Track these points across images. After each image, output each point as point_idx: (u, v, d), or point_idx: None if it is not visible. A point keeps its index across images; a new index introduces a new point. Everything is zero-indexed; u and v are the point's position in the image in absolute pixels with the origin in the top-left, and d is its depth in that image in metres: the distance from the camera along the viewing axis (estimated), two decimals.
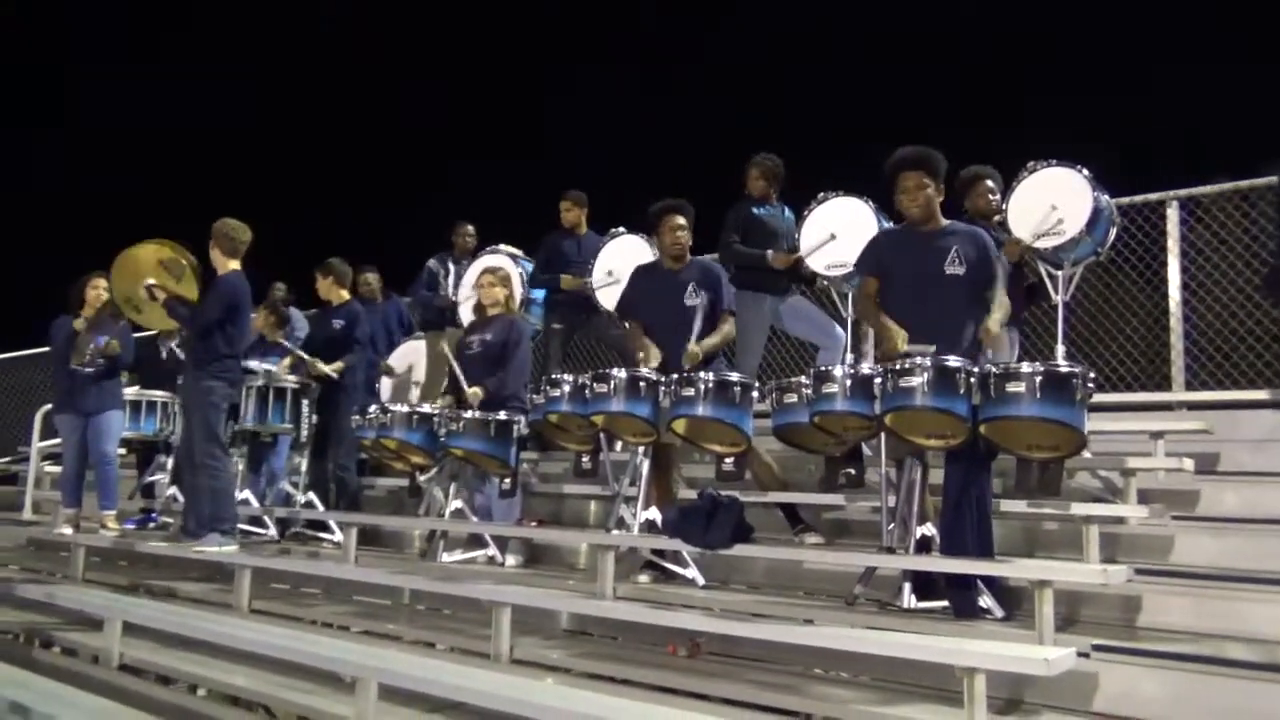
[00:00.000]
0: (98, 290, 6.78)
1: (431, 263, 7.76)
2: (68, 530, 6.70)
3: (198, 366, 5.89)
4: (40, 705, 3.62)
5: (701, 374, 4.62)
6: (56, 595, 5.56)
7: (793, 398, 4.48)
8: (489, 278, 6.18)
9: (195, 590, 6.05)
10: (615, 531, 4.81)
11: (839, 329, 6.04)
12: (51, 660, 5.11)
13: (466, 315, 6.90)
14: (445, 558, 5.64)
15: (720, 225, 6.20)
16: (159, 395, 7.41)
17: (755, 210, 6.16)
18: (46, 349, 8.20)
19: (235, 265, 6.02)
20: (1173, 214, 6.38)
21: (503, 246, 7.39)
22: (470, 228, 7.86)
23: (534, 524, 5.95)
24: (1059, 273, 5.16)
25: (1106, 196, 5.09)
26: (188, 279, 6.06)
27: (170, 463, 7.41)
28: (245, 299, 6.06)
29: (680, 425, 4.67)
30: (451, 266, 7.69)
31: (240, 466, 6.90)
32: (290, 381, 6.79)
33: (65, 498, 6.86)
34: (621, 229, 6.65)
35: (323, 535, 6.71)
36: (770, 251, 5.94)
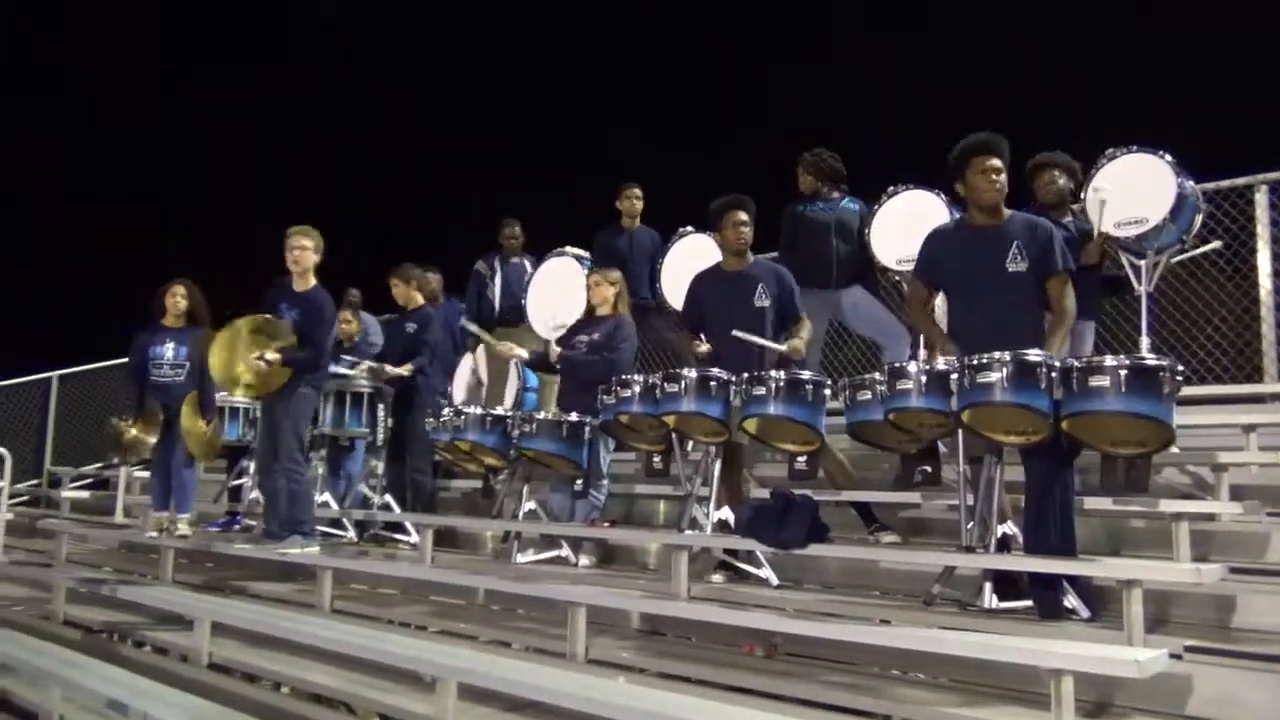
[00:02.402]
0: (176, 298, 6.95)
1: (480, 265, 7.84)
2: (154, 533, 6.91)
3: (296, 375, 6.00)
4: (135, 702, 3.74)
5: (773, 372, 4.59)
6: (146, 595, 5.76)
7: (866, 395, 4.42)
8: (597, 277, 6.19)
9: (279, 590, 6.20)
10: (688, 531, 4.80)
11: (903, 328, 5.96)
12: (143, 658, 5.28)
13: (534, 314, 6.91)
14: (519, 558, 5.70)
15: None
16: (241, 401, 7.61)
17: (801, 208, 6.15)
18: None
19: (312, 276, 6.17)
20: (1261, 199, 6.15)
21: (569, 249, 7.43)
22: (517, 226, 7.93)
23: (606, 525, 5.97)
24: (1141, 262, 5.00)
25: (1191, 182, 4.92)
26: (283, 330, 6.03)
27: (253, 467, 7.62)
28: (334, 310, 6.23)
29: (752, 424, 4.64)
30: (498, 266, 7.78)
31: (320, 470, 7.06)
32: (366, 386, 6.93)
33: (154, 501, 7.09)
34: (689, 228, 6.64)
35: (399, 537, 6.82)
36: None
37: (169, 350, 6.77)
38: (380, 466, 7.06)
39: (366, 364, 7.00)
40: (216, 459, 7.60)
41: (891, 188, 5.75)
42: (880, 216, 5.73)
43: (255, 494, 7.48)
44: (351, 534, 6.90)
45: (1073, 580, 3.75)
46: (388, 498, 6.90)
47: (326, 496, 6.95)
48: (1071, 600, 3.71)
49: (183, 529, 6.76)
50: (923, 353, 4.91)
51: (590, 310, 6.18)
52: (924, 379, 3.97)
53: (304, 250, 6.13)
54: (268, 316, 6.05)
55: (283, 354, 5.89)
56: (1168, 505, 4.13)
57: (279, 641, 4.78)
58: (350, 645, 4.25)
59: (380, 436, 6.97)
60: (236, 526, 7.51)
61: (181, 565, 6.90)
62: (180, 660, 5.09)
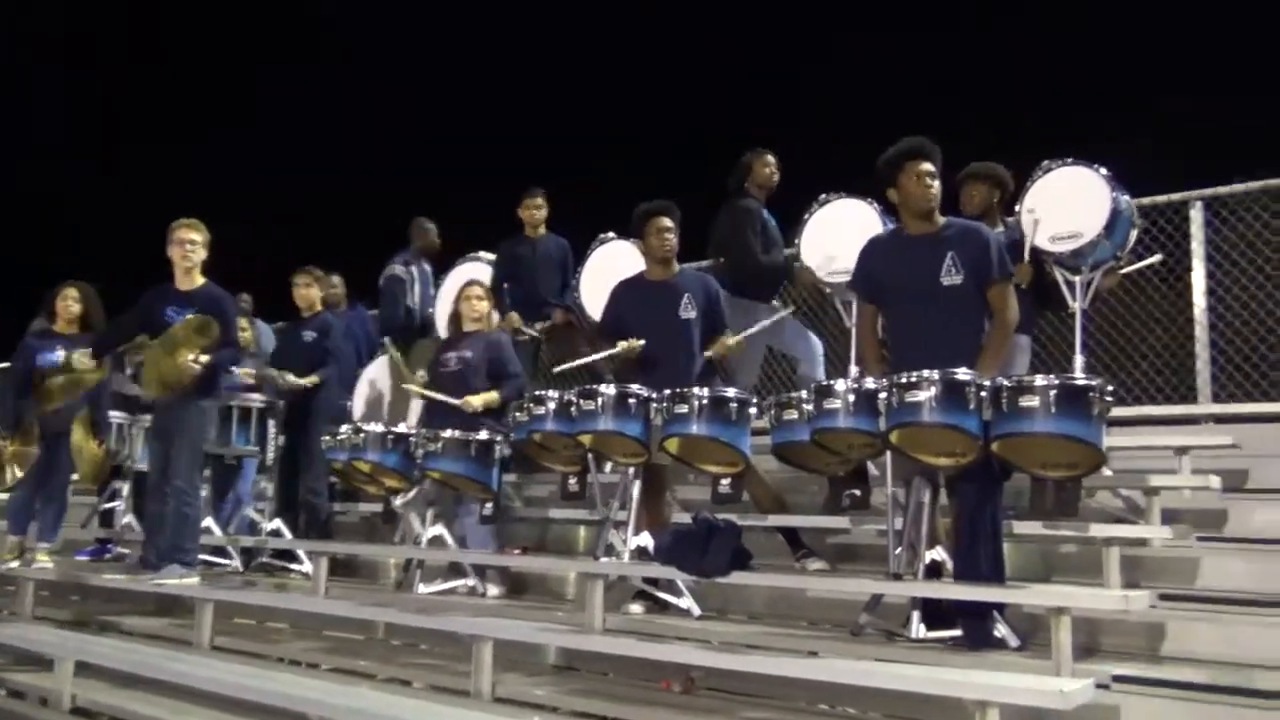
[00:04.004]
0: (68, 302, 6.74)
1: (397, 269, 7.69)
2: (12, 562, 6.67)
3: (196, 388, 5.86)
4: None
5: (696, 390, 4.65)
6: (2, 633, 5.56)
7: (793, 414, 4.49)
8: (477, 289, 6.19)
9: (153, 626, 6.04)
10: (604, 559, 4.82)
11: (815, 338, 6.21)
12: None
13: (441, 324, 6.89)
14: (422, 589, 5.64)
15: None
16: (116, 416, 7.38)
17: (765, 213, 6.20)
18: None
19: (199, 274, 6.05)
20: (1196, 215, 6.42)
21: (483, 254, 7.43)
22: (429, 223, 7.90)
23: (517, 551, 5.96)
24: (1076, 278, 5.20)
25: (1126, 197, 5.13)
26: (209, 326, 5.88)
27: (127, 489, 7.41)
28: (234, 306, 6.14)
29: (673, 445, 4.69)
30: (415, 273, 7.68)
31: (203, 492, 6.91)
32: (256, 400, 6.80)
33: (12, 525, 6.84)
34: (611, 234, 6.69)
35: (291, 566, 6.72)
36: (797, 263, 5.93)
37: (60, 358, 6.55)
38: (270, 488, 6.93)
39: (268, 371, 6.85)
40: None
41: (823, 196, 5.88)
42: (810, 226, 5.84)
43: (128, 519, 7.29)
44: (236, 563, 6.77)
45: (1002, 608, 3.88)
46: (278, 522, 6.78)
47: (209, 521, 6.79)
48: (1002, 629, 3.84)
49: (43, 559, 6.53)
50: (853, 369, 5.04)
51: (458, 324, 6.18)
52: (852, 398, 4.05)
53: (193, 245, 6.01)
54: (205, 317, 5.89)
55: (212, 357, 5.80)
56: (1098, 530, 4.31)
57: (152, 682, 4.66)
58: (232, 685, 4.18)
59: (270, 455, 6.85)
60: (107, 555, 7.31)
61: (43, 598, 6.67)
62: (40, 704, 4.93)
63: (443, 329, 6.88)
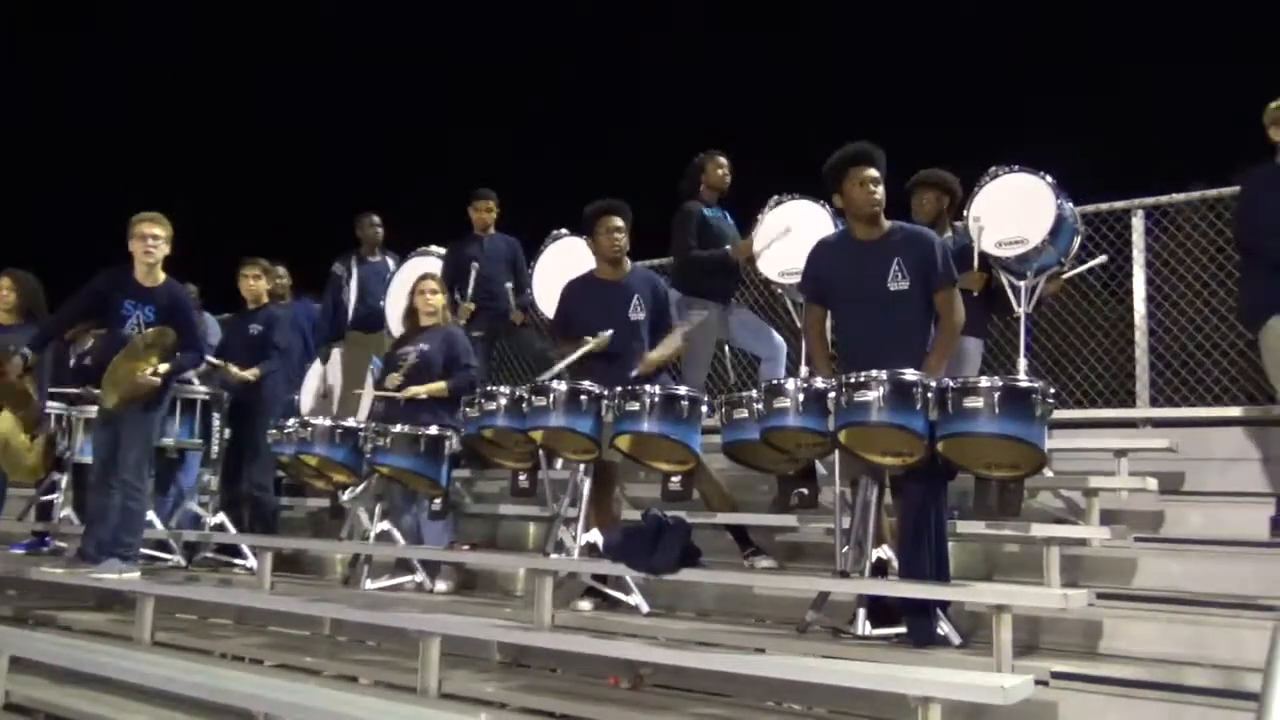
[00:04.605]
0: (2, 291, 6.59)
1: (336, 266, 7.76)
2: None
3: (156, 396, 5.80)
4: None
5: (647, 387, 4.67)
6: None
7: (743, 413, 4.54)
8: (431, 284, 6.15)
9: (92, 621, 5.93)
10: (553, 555, 4.83)
11: (778, 337, 6.26)
12: None
13: (395, 319, 6.85)
14: (370, 585, 5.61)
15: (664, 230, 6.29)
16: (54, 406, 7.21)
17: (706, 213, 6.23)
18: None
19: (161, 270, 5.97)
20: (1138, 223, 6.56)
21: (433, 248, 7.40)
22: (375, 218, 7.86)
23: (466, 548, 5.94)
24: (1021, 283, 5.30)
25: (1070, 204, 5.24)
26: (171, 339, 5.84)
27: (66, 481, 7.25)
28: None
29: (624, 442, 4.71)
30: (354, 268, 7.69)
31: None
32: (200, 391, 6.70)
33: None
34: (564, 230, 6.69)
35: (235, 561, 6.64)
36: (729, 247, 6.03)
37: None
38: (214, 482, 6.83)
39: (212, 360, 6.75)
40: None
41: (775, 198, 5.93)
42: (762, 229, 5.89)
43: (66, 511, 7.15)
44: (179, 558, 6.65)
45: (945, 606, 3.95)
46: (222, 517, 6.69)
47: (151, 515, 6.66)
48: (945, 626, 3.91)
49: None
50: (804, 369, 5.09)
51: (414, 319, 6.14)
52: (801, 397, 4.10)
53: (156, 241, 5.91)
54: (161, 329, 5.81)
55: (170, 365, 5.77)
56: (1039, 530, 4.39)
57: (91, 678, 4.57)
58: (172, 681, 4.11)
59: (215, 448, 6.75)
60: (45, 548, 7.15)
61: None
62: None
63: (394, 324, 6.85)
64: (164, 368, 5.73)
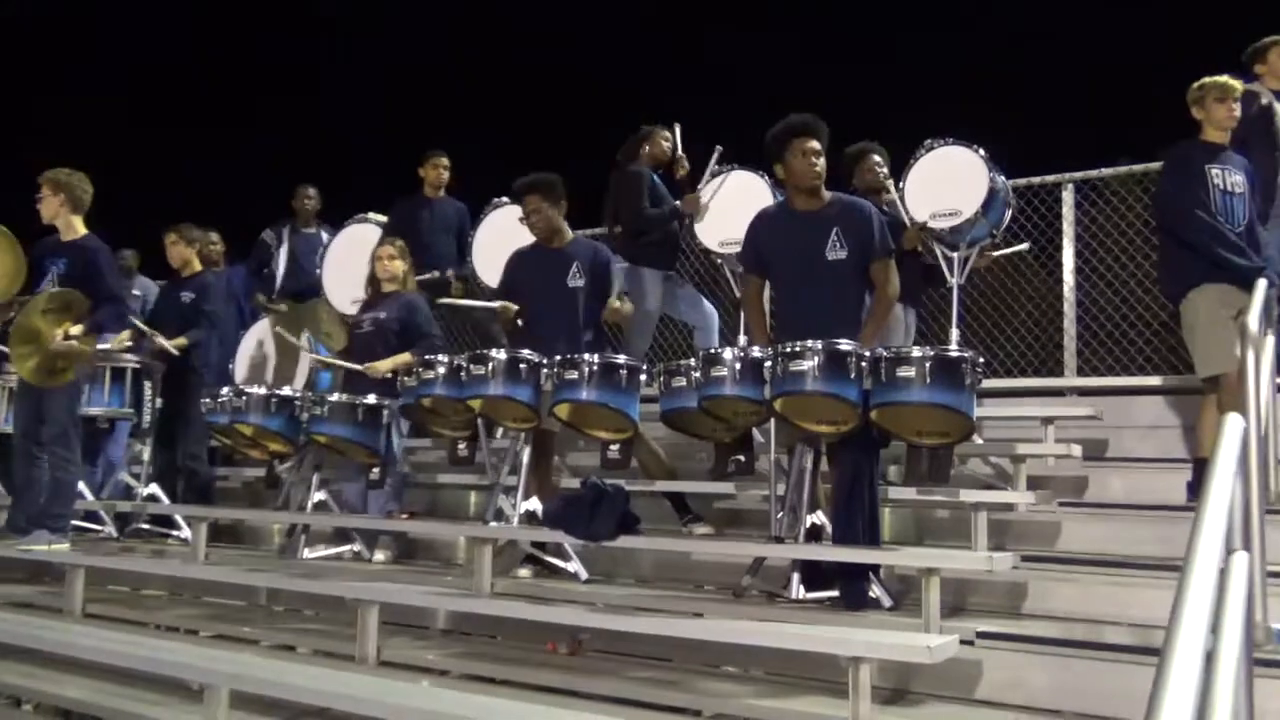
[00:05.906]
0: None
1: (266, 234, 7.67)
2: None
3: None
4: None
5: (586, 356, 4.68)
6: None
7: (681, 381, 4.57)
8: (390, 249, 6.06)
9: (21, 593, 5.81)
10: (493, 523, 4.84)
11: (710, 305, 6.33)
12: None
13: (333, 288, 6.77)
14: (307, 554, 5.57)
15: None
16: None
17: (655, 179, 6.21)
18: None
19: (82, 225, 5.83)
20: (1068, 197, 6.73)
21: (371, 215, 7.30)
22: (312, 190, 7.76)
23: (405, 516, 5.93)
24: (954, 255, 5.41)
25: (1003, 178, 5.35)
26: (73, 298, 5.67)
27: None
28: (112, 256, 5.96)
29: (563, 410, 4.72)
30: (285, 236, 7.60)
31: None
32: (130, 360, 6.56)
33: None
34: (505, 199, 6.64)
35: (170, 532, 6.54)
36: (678, 202, 6.03)
37: None
38: (146, 452, 6.72)
39: (140, 325, 6.60)
40: None
41: (719, 148, 5.96)
42: (703, 198, 5.92)
43: None
44: (110, 529, 6.54)
45: (877, 569, 4.05)
46: (154, 487, 6.58)
47: (81, 486, 6.53)
48: (876, 589, 4.01)
49: None
50: (741, 339, 5.15)
51: (375, 285, 6.08)
52: (738, 366, 4.16)
53: (40, 196, 5.80)
54: (64, 290, 5.66)
55: (84, 329, 5.60)
56: (968, 495, 4.52)
57: (20, 650, 4.49)
58: (103, 651, 4.05)
59: (146, 418, 6.63)
60: None
61: None
62: None
63: (331, 293, 6.77)
64: (76, 329, 5.59)
